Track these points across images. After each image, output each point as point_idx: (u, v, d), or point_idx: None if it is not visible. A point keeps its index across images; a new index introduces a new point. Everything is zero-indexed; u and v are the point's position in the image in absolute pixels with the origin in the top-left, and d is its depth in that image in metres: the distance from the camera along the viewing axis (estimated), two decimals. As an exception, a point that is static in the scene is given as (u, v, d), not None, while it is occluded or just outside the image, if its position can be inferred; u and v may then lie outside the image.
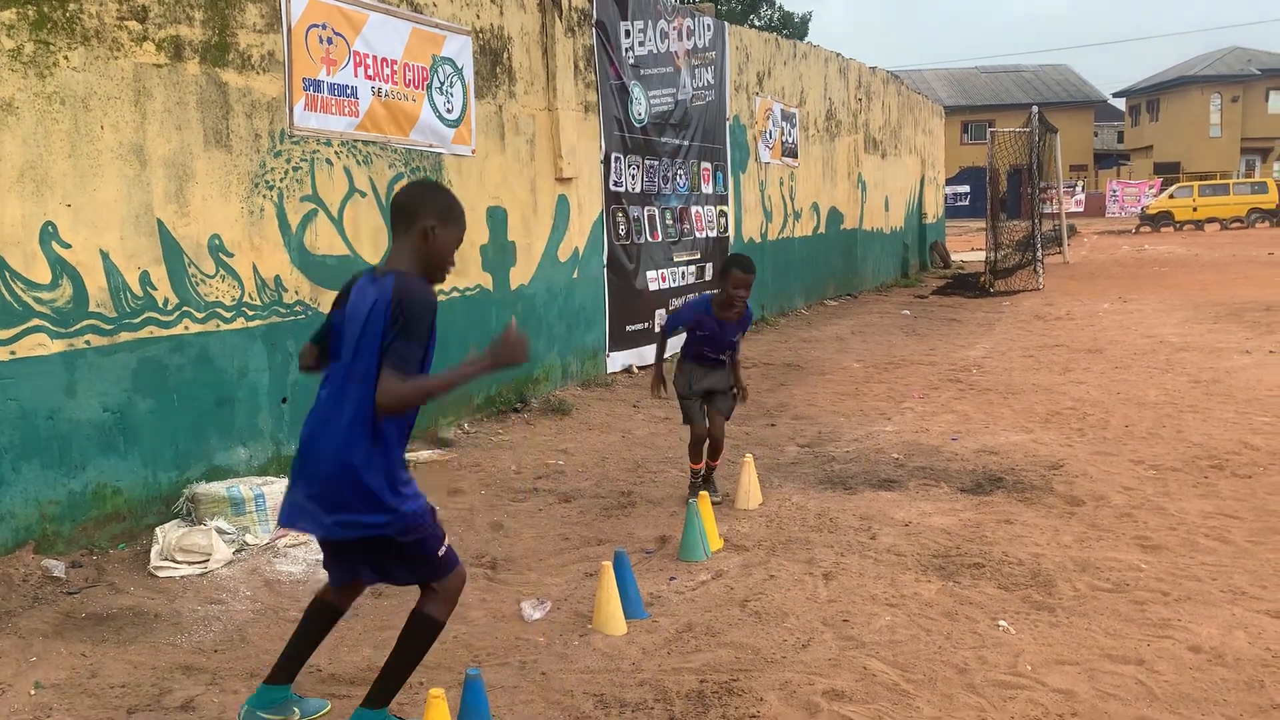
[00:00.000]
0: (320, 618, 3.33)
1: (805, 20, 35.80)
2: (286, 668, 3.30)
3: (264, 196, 5.98)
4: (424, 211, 3.15)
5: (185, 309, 5.51)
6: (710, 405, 5.78)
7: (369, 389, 2.95)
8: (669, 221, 10.90)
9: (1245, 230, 37.73)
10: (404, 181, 7.00)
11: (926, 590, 4.40)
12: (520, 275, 8.49)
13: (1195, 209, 40.53)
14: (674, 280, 10.95)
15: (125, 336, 5.19)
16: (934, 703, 3.40)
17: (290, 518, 3.10)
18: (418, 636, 3.16)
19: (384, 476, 3.00)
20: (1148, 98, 59.15)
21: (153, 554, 4.89)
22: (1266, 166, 53.80)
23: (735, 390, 5.83)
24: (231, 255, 5.79)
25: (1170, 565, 4.63)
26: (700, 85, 11.49)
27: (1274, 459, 6.35)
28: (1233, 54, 55.89)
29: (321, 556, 3.33)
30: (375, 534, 3.02)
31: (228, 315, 5.77)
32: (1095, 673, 3.59)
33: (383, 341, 2.94)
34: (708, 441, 5.77)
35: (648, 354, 10.41)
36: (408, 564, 3.12)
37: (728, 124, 12.28)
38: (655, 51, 10.50)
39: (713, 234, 11.95)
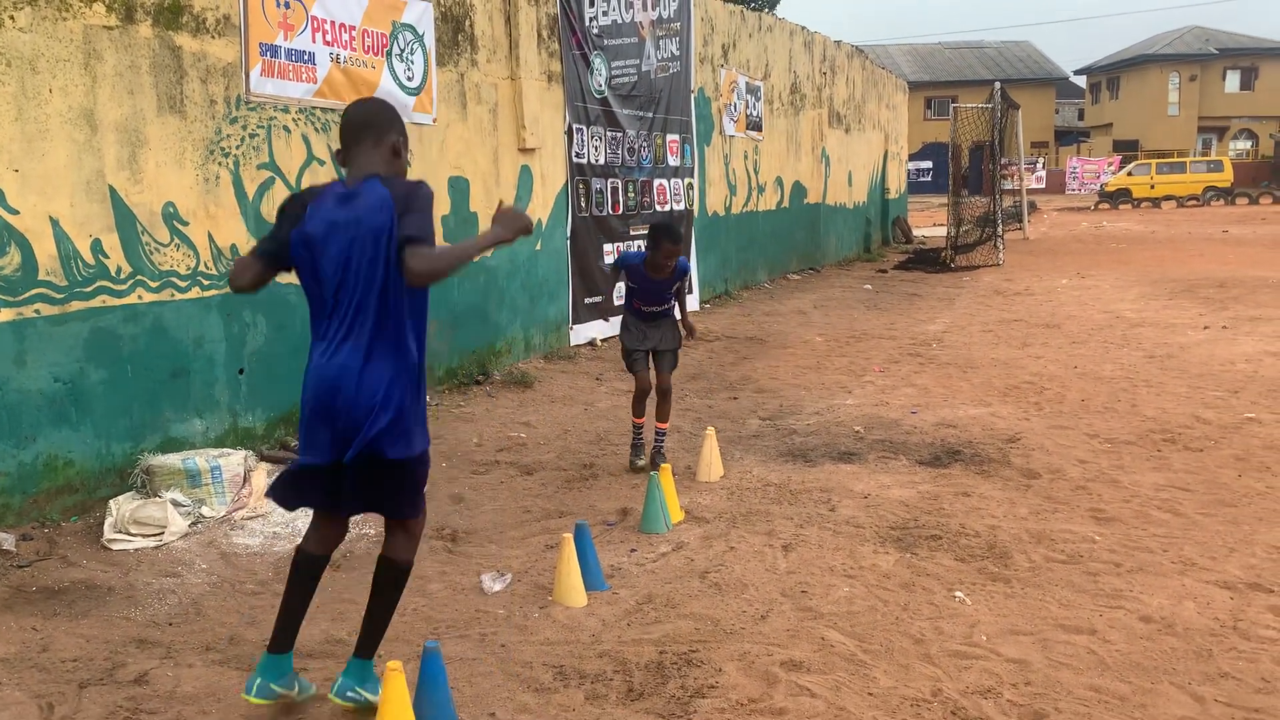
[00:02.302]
0: (307, 574, 3.23)
1: None
2: (286, 634, 3.20)
3: (219, 164, 5.87)
4: (394, 127, 3.11)
5: (139, 278, 5.41)
6: (657, 360, 5.93)
7: (400, 318, 2.97)
8: (631, 194, 10.85)
9: (1201, 208, 38.31)
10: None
11: (884, 561, 4.45)
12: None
13: (1153, 186, 41.08)
14: None
15: (77, 305, 5.08)
16: (890, 673, 3.44)
17: (322, 455, 3.03)
18: (393, 583, 3.20)
19: (420, 407, 3.05)
20: (1108, 75, 59.67)
21: (106, 526, 4.81)
22: (1222, 145, 54.58)
23: (684, 330, 6.02)
24: (186, 224, 5.68)
25: (1123, 537, 4.71)
26: (665, 56, 11.41)
27: (1225, 433, 6.47)
28: (1191, 33, 56.46)
29: (297, 513, 3.28)
30: (406, 459, 3.03)
31: (183, 285, 5.67)
32: (1049, 643, 3.65)
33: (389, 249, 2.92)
34: (653, 395, 5.93)
35: (610, 326, 10.40)
36: (402, 497, 3.12)
37: (692, 96, 12.22)
38: (619, 21, 10.40)
39: (678, 207, 11.91)
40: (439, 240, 3.02)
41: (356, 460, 2.97)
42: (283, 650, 3.18)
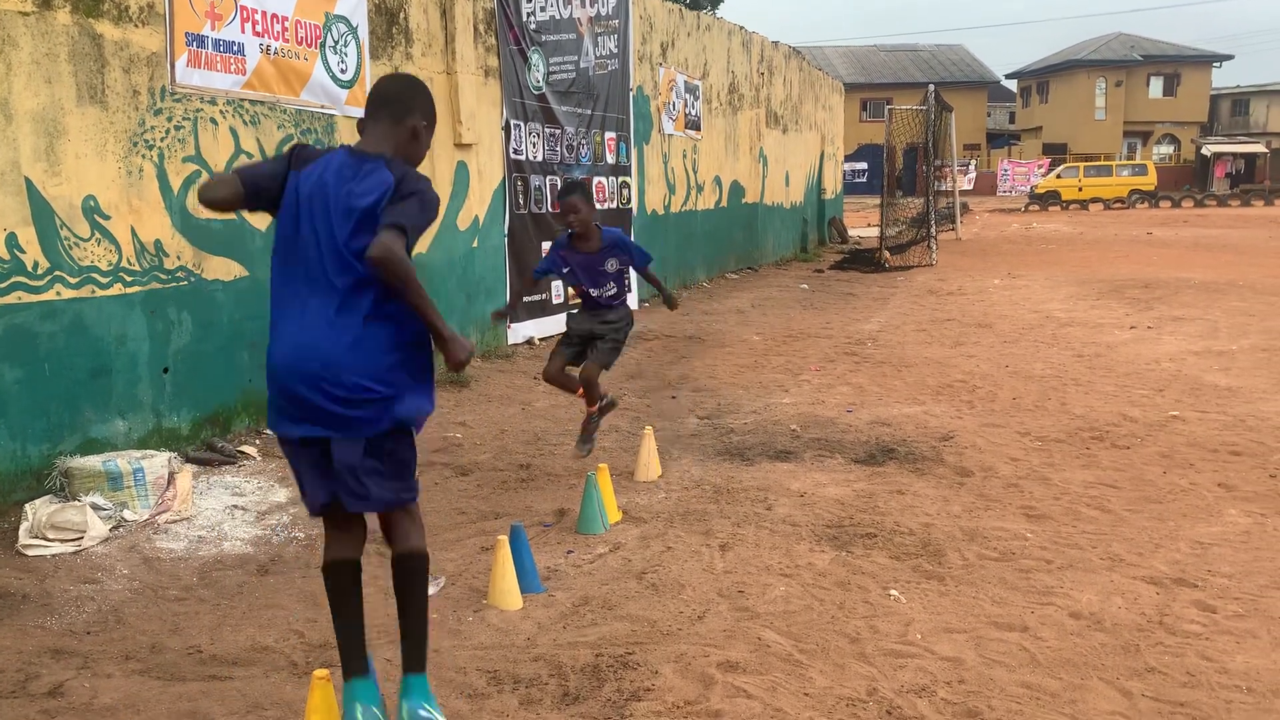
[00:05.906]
0: (335, 585, 3.00)
1: None
2: (350, 655, 2.95)
3: (143, 156, 5.70)
4: (418, 108, 2.97)
5: (57, 273, 5.22)
6: (591, 350, 5.79)
7: (376, 291, 2.82)
8: (570, 191, 10.76)
9: (1126, 210, 39.33)
10: (294, 143, 6.77)
11: (820, 560, 4.45)
12: (418, 243, 8.28)
13: (1081, 189, 42.10)
14: None
15: (-10, 302, 4.90)
16: (826, 672, 3.43)
17: (295, 428, 2.84)
18: (418, 577, 2.96)
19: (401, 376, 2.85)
20: (1037, 80, 60.99)
21: (21, 532, 4.63)
22: (1146, 150, 56.11)
23: (665, 302, 5.91)
24: (108, 218, 5.50)
25: (1053, 534, 4.78)
26: (603, 54, 11.36)
27: (1150, 430, 6.61)
28: (1117, 40, 57.97)
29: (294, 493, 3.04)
30: (394, 424, 2.84)
31: (104, 281, 5.49)
32: (982, 640, 3.68)
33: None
34: (580, 376, 5.83)
35: (548, 325, 10.33)
36: (389, 474, 2.88)
37: (631, 94, 12.19)
38: (557, 17, 10.33)
39: (613, 206, 11.87)
40: None
41: (323, 441, 2.81)
42: (359, 673, 2.91)
